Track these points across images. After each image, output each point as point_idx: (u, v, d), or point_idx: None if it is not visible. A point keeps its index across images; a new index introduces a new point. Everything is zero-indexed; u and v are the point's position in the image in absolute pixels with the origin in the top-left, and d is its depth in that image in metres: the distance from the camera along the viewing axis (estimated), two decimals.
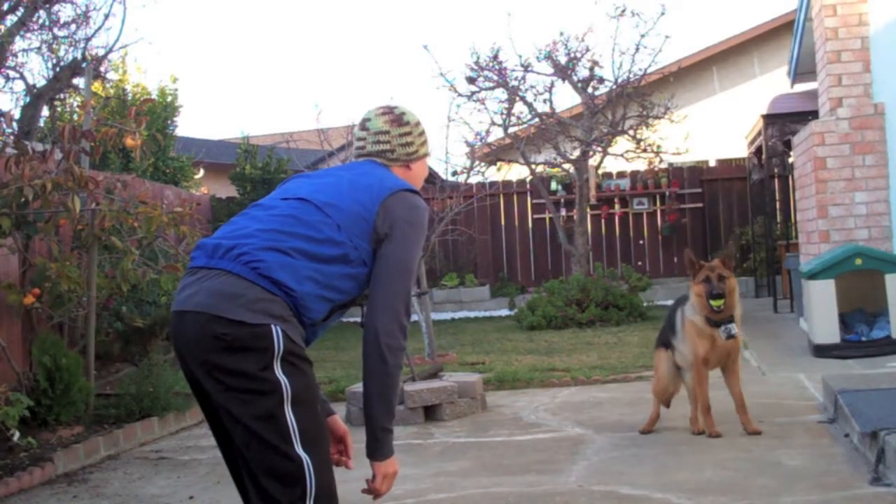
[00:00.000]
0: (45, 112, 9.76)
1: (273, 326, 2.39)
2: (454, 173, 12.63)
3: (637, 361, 7.90)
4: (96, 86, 10.85)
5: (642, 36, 12.47)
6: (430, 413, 6.20)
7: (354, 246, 2.56)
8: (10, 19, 8.58)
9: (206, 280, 2.47)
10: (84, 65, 8.70)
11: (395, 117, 2.83)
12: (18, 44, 9.02)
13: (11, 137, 5.71)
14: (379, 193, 2.62)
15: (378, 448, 2.55)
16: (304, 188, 2.69)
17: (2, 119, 5.61)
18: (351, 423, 6.27)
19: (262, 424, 2.37)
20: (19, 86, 9.37)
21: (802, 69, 10.20)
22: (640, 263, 14.63)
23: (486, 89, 12.94)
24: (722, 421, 5.14)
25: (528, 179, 14.46)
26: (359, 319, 2.67)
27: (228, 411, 2.42)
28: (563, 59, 12.54)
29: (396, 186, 2.68)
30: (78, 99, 10.39)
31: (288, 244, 2.50)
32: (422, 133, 2.89)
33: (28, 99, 9.10)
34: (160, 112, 12.43)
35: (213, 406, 2.51)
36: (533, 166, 13.33)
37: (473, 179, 14.53)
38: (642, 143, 12.87)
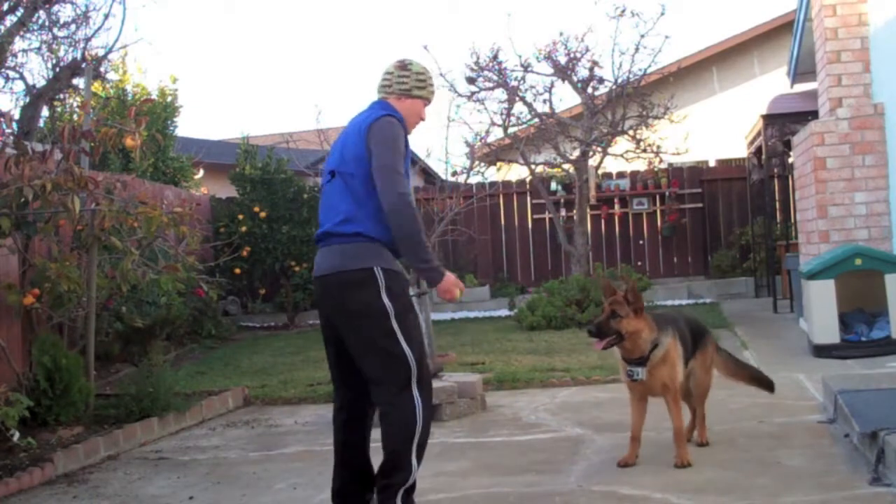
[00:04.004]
0: (45, 112, 9.76)
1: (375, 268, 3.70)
2: (454, 173, 12.62)
3: None
4: (96, 86, 10.85)
5: (642, 36, 12.47)
6: None
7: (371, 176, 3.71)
8: (10, 19, 8.57)
9: None
10: (84, 65, 8.69)
11: (401, 64, 3.99)
12: (18, 44, 9.01)
13: (11, 137, 5.70)
14: (362, 131, 3.77)
15: (428, 279, 3.72)
16: (329, 164, 3.93)
17: (2, 119, 5.61)
18: None
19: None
20: (19, 86, 9.37)
21: (802, 69, 10.20)
22: (639, 263, 14.64)
23: (486, 89, 12.94)
24: (728, 420, 5.14)
25: (527, 179, 14.46)
26: None
27: None
28: (562, 60, 12.53)
29: (372, 118, 3.79)
30: (78, 99, 10.38)
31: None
32: (420, 80, 3.96)
33: (28, 99, 9.10)
34: (160, 112, 12.43)
35: None
36: (533, 166, 13.33)
37: (473, 179, 14.54)
38: (642, 144, 12.86)
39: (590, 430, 5.58)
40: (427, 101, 4.02)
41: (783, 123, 11.00)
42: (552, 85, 12.87)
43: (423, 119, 4.02)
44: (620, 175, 15.02)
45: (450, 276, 3.74)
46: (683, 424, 4.72)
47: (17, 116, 8.79)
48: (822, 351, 7.38)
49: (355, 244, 3.71)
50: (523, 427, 5.82)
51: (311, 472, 4.96)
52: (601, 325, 4.49)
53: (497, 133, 13.17)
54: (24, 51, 9.23)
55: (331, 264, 3.75)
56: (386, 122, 3.78)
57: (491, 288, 14.60)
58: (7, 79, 9.04)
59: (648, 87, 13.37)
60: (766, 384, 5.14)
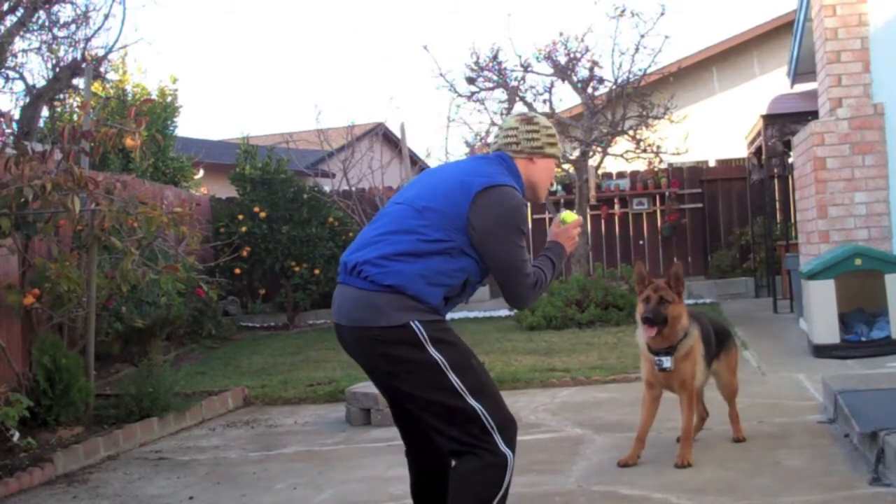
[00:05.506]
0: (45, 112, 9.77)
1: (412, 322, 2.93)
2: None
3: (637, 362, 7.85)
4: (96, 86, 10.86)
5: (642, 36, 12.45)
6: None
7: (451, 239, 2.99)
8: (10, 19, 8.58)
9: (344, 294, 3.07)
10: (84, 65, 8.70)
11: (526, 118, 3.27)
12: (18, 44, 9.03)
13: (11, 137, 5.70)
14: (469, 191, 3.01)
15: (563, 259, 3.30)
16: (410, 191, 3.15)
17: (2, 119, 5.61)
18: (351, 423, 6.27)
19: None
20: (19, 86, 9.39)
21: (802, 69, 10.20)
22: None
23: (486, 89, 12.93)
24: (728, 420, 5.13)
25: None
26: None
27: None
28: (562, 60, 12.53)
29: (487, 184, 3.02)
30: (78, 99, 10.39)
31: (392, 249, 2.97)
32: (550, 135, 3.27)
33: (28, 99, 9.11)
34: (160, 112, 12.42)
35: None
36: None
37: None
38: (642, 144, 12.85)
39: (590, 430, 5.58)
40: (558, 159, 3.39)
41: (783, 123, 10.99)
42: (552, 85, 12.86)
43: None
44: (620, 175, 15.02)
45: (560, 236, 3.31)
46: (693, 426, 4.74)
47: (17, 116, 8.81)
48: (822, 351, 7.38)
49: (383, 294, 2.94)
50: (523, 427, 5.77)
51: (311, 472, 4.95)
52: (655, 312, 4.47)
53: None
54: (24, 51, 9.25)
55: (353, 316, 3.00)
56: (506, 195, 3.02)
57: (491, 288, 14.59)
58: (7, 79, 9.06)
59: (648, 87, 13.36)
60: None
